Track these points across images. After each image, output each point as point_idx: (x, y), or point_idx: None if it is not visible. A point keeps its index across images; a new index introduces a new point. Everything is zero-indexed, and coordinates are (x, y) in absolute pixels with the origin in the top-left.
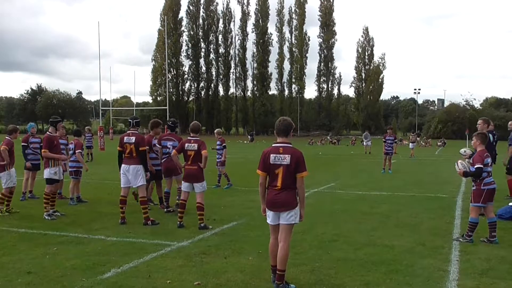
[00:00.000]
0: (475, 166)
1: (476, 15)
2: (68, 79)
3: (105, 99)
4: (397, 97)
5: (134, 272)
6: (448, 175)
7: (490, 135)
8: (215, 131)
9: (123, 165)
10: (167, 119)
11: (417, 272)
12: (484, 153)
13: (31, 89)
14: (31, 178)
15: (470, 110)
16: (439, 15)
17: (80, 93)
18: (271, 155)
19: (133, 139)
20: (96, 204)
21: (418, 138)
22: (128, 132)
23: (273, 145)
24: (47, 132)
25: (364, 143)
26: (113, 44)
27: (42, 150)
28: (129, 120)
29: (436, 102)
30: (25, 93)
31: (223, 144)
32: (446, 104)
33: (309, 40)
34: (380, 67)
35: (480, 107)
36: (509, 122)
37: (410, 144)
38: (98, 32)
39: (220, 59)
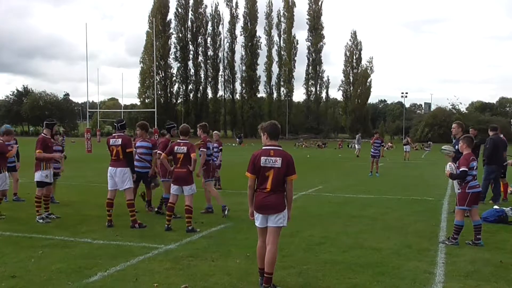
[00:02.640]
0: (460, 169)
1: (462, 21)
2: (54, 80)
3: (93, 101)
4: (385, 100)
5: (121, 275)
6: (434, 179)
7: None
8: (213, 133)
9: (109, 168)
10: (155, 121)
11: (404, 275)
12: (470, 156)
13: (17, 90)
14: (14, 180)
15: (456, 114)
16: (425, 20)
17: (67, 94)
18: (262, 157)
19: (119, 141)
20: (82, 207)
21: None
22: (114, 134)
23: (263, 147)
24: (42, 134)
25: (356, 146)
26: (100, 46)
27: (37, 151)
28: (115, 123)
29: (423, 106)
30: (10, 95)
31: (220, 147)
32: (433, 108)
33: (297, 43)
34: (368, 71)
35: (466, 111)
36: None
37: (405, 147)
38: (85, 33)
39: (208, 61)
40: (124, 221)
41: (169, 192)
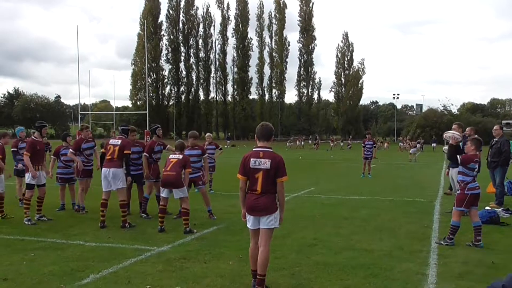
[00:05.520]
0: (460, 157)
1: (451, 22)
2: (45, 83)
3: (84, 103)
4: (376, 102)
5: (113, 277)
6: (426, 180)
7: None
8: (207, 135)
9: (103, 169)
10: (147, 123)
11: (396, 276)
12: (474, 157)
13: (8, 93)
14: (21, 184)
15: (448, 115)
16: (414, 21)
17: (58, 97)
18: (251, 159)
19: (119, 141)
20: None
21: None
22: (116, 136)
23: (253, 149)
24: (32, 137)
25: None
26: (90, 48)
27: (25, 153)
28: (119, 126)
29: (414, 107)
30: (1, 97)
31: (218, 148)
32: (424, 109)
33: (289, 45)
34: (360, 72)
35: (457, 112)
36: (467, 129)
37: (412, 149)
38: (76, 35)
39: (200, 63)
40: (117, 223)
41: (149, 193)
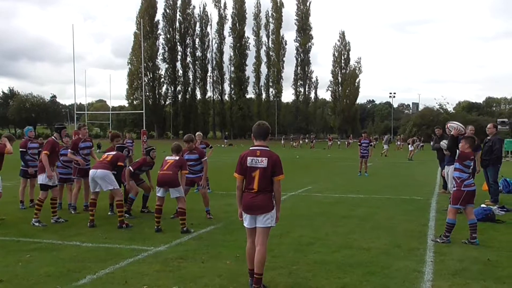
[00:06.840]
0: (459, 151)
1: (447, 21)
2: (41, 82)
3: (80, 103)
4: (373, 101)
5: (110, 278)
6: (423, 178)
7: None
8: (197, 134)
9: (91, 170)
10: (144, 123)
11: (393, 274)
12: (470, 155)
13: (3, 92)
14: (31, 185)
15: (444, 114)
16: (410, 21)
17: (54, 97)
18: (248, 158)
19: (113, 152)
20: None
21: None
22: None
23: (250, 148)
24: (53, 137)
25: (384, 146)
26: (86, 48)
27: (43, 152)
28: (116, 146)
29: (410, 106)
30: None
31: (209, 146)
32: (421, 108)
33: (286, 44)
34: (356, 71)
35: (453, 111)
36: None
37: (410, 146)
38: (72, 35)
39: (197, 62)
40: (113, 224)
41: (135, 194)
